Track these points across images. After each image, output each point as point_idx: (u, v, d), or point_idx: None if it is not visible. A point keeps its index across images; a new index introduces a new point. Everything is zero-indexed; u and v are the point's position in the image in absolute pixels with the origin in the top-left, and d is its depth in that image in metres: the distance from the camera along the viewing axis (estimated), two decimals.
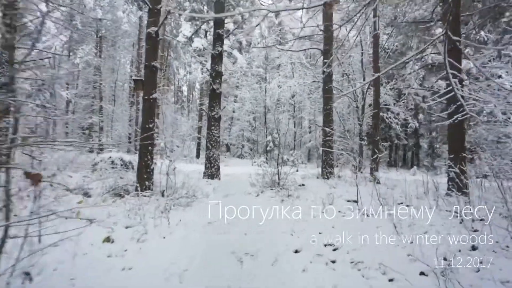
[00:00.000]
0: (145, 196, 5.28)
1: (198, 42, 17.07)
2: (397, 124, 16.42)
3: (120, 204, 5.10)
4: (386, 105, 16.25)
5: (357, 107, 16.13)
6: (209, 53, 8.64)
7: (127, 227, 3.97)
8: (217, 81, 8.27)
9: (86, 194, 5.82)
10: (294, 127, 19.08)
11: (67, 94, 20.24)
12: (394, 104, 15.88)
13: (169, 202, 5.28)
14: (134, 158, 9.60)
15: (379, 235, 4.03)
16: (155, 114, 5.52)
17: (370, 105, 16.55)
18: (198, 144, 19.25)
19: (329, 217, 5.22)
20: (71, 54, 18.70)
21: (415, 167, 17.45)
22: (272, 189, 7.36)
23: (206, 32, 18.45)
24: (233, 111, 20.52)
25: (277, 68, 19.29)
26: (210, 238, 3.93)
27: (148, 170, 5.38)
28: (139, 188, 5.35)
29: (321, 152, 8.81)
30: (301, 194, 6.88)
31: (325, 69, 8.61)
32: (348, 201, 6.44)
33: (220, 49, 8.35)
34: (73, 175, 7.91)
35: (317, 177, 9.12)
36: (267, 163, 18.17)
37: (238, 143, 20.92)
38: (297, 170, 8.91)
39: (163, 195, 5.77)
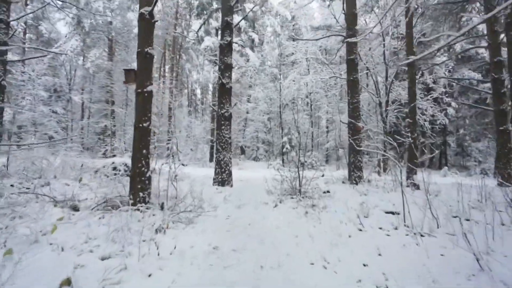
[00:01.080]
0: (138, 210, 4.23)
1: (209, 41, 16.14)
2: (425, 120, 14.79)
3: (111, 220, 4.08)
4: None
5: (379, 103, 14.68)
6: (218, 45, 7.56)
7: (103, 259, 2.92)
8: (227, 74, 7.19)
9: (74, 208, 4.85)
10: (312, 127, 17.77)
11: (82, 98, 19.91)
12: (422, 98, 14.26)
13: (168, 218, 4.21)
14: None
15: (453, 271, 2.78)
16: (151, 110, 4.49)
17: (394, 101, 15.04)
18: (212, 147, 18.31)
19: (369, 237, 3.99)
20: (83, 58, 18.36)
21: (445, 167, 15.69)
22: (292, 198, 6.17)
23: (217, 30, 17.53)
24: (247, 112, 19.47)
25: (291, 65, 18.08)
26: (213, 275, 2.79)
27: (143, 178, 4.34)
28: (131, 201, 4.31)
29: (348, 153, 7.52)
30: (328, 204, 5.66)
31: (350, 57, 7.35)
32: (387, 212, 5.16)
33: (229, 38, 7.27)
34: (71, 183, 7.05)
35: (343, 182, 7.84)
36: (283, 165, 16.98)
37: (252, 145, 19.83)
38: (323, 175, 7.67)
39: (162, 208, 4.72)
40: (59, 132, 21.75)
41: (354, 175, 7.21)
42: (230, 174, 7.13)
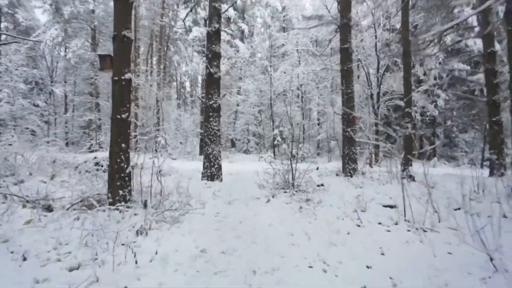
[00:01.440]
0: (117, 210, 3.82)
1: (197, 31, 15.50)
2: (416, 112, 14.72)
3: (86, 221, 3.65)
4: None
5: (371, 94, 14.48)
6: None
7: (71, 270, 2.53)
8: (215, 63, 6.74)
9: (48, 208, 4.39)
10: (303, 119, 17.47)
11: (64, 91, 18.95)
12: (413, 90, 14.12)
13: (151, 217, 3.82)
14: None
15: (465, 271, 2.51)
16: (130, 100, 4.04)
17: (385, 93, 14.87)
18: (201, 140, 17.81)
19: (368, 233, 3.71)
20: (65, 49, 17.37)
21: (435, 158, 15.75)
22: (285, 192, 5.86)
23: (205, 20, 16.86)
24: (237, 105, 18.99)
25: (282, 57, 17.65)
26: (200, 283, 2.44)
27: (123, 175, 3.91)
28: (110, 200, 3.89)
29: (342, 144, 7.24)
30: (323, 198, 5.37)
31: (343, 46, 7.01)
32: (385, 206, 4.91)
33: (217, 25, 6.80)
34: (48, 181, 6.53)
35: (337, 174, 7.59)
36: (275, 158, 16.69)
37: (243, 138, 19.43)
38: (318, 168, 7.37)
39: (145, 207, 4.31)
40: (41, 126, 20.77)
41: (349, 167, 6.95)
42: (219, 168, 6.75)
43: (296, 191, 5.84)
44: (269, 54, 17.14)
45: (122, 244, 3.11)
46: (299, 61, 16.35)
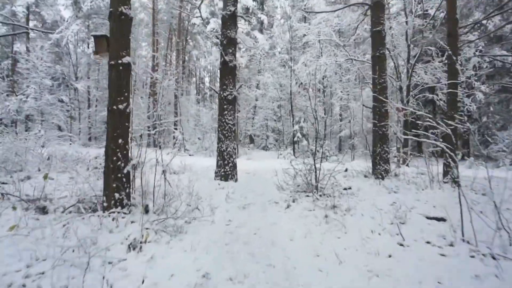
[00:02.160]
0: (111, 215, 3.24)
1: (215, 23, 14.85)
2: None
3: (76, 229, 3.10)
4: (437, 83, 13.02)
5: (400, 87, 13.19)
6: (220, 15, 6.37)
7: None
8: (230, 50, 6.04)
9: (43, 210, 3.92)
10: (325, 114, 16.44)
11: (87, 86, 19.11)
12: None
13: (151, 226, 3.21)
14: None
15: None
16: (129, 89, 3.43)
17: (416, 86, 13.52)
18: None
19: (417, 257, 2.87)
20: (88, 45, 17.44)
21: (471, 158, 14.17)
22: (308, 196, 5.09)
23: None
24: (256, 99, 18.25)
25: (303, 48, 16.63)
26: None
27: (119, 175, 3.33)
28: (105, 204, 3.33)
29: (372, 142, 6.32)
30: (352, 205, 4.55)
31: (375, 29, 6.05)
32: (430, 218, 4.02)
33: (232, 8, 6.07)
34: (57, 177, 6.17)
35: (365, 176, 6.69)
36: (294, 155, 15.84)
37: (262, 134, 18.70)
38: (346, 169, 6.50)
39: (146, 212, 3.72)
40: (66, 121, 21.18)
41: (380, 169, 6.03)
42: (234, 166, 6.08)
43: (320, 195, 5.05)
44: (290, 46, 16.20)
45: (109, 263, 2.51)
46: (321, 52, 15.28)
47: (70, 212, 3.77)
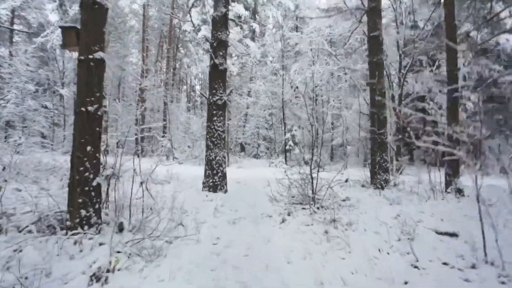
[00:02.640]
0: (75, 236, 2.69)
1: (206, 30, 14.53)
2: (442, 116, 13.21)
3: (29, 255, 2.53)
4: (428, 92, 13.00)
5: (392, 96, 13.09)
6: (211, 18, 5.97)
7: None
8: (220, 53, 5.63)
9: None
10: (317, 122, 16.19)
11: (74, 93, 18.34)
12: (440, 92, 12.67)
13: (123, 249, 2.68)
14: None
15: None
16: (101, 88, 2.94)
17: (408, 95, 13.46)
18: None
19: (437, 285, 2.43)
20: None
21: (461, 167, 14.11)
22: (304, 208, 4.63)
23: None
24: (247, 107, 17.88)
25: (295, 57, 16.48)
26: None
27: (87, 188, 2.80)
28: (68, 223, 2.79)
29: (371, 150, 5.96)
30: (353, 218, 4.11)
31: (372, 34, 5.78)
32: (441, 233, 3.61)
33: (223, 10, 5.71)
34: (26, 188, 5.51)
35: (363, 186, 6.30)
36: (286, 163, 15.43)
37: (253, 142, 18.27)
38: (347, 180, 6.07)
39: (120, 230, 3.18)
40: (49, 128, 20.26)
41: (379, 178, 5.66)
42: (223, 176, 5.58)
43: (318, 207, 4.61)
44: (282, 54, 16.02)
45: None
46: (313, 61, 15.12)
47: (30, 231, 3.19)
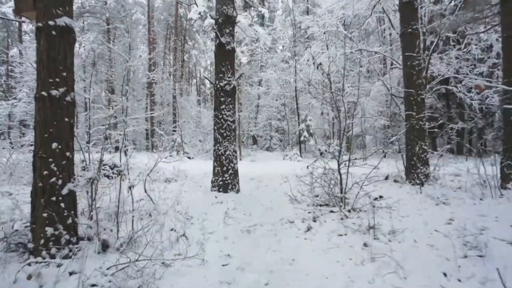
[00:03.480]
0: (45, 260, 1.99)
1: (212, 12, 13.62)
2: (472, 100, 11.89)
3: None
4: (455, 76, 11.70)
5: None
6: None
7: None
8: (227, 31, 4.78)
9: None
10: (332, 111, 15.14)
11: (83, 88, 18.00)
12: (470, 72, 11.34)
13: (102, 280, 1.95)
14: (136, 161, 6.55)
15: None
16: (70, 66, 2.18)
17: (433, 78, 12.17)
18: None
19: None
20: (78, 45, 16.32)
21: (496, 155, 12.78)
22: (332, 211, 3.80)
23: None
24: (258, 97, 16.98)
25: (307, 42, 15.36)
26: None
27: (55, 198, 2.07)
28: (31, 245, 2.08)
29: (406, 138, 5.01)
30: (396, 225, 3.25)
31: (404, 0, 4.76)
32: None
33: None
34: (18, 191, 4.93)
35: (396, 181, 5.38)
36: (301, 155, 14.54)
37: (265, 134, 17.42)
38: (387, 177, 5.14)
39: (104, 249, 2.46)
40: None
41: (418, 172, 4.73)
42: (235, 174, 4.80)
43: (349, 210, 3.77)
44: (293, 39, 14.95)
45: None
46: (327, 46, 13.97)
47: None
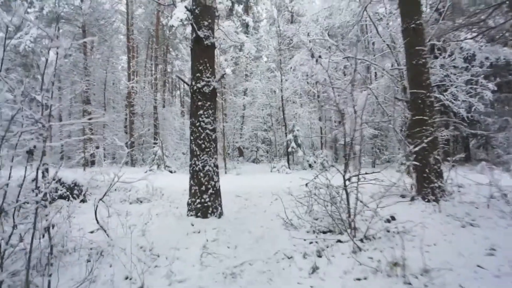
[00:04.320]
0: None
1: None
2: (461, 108, 11.67)
3: None
4: (441, 83, 11.45)
5: (404, 88, 11.51)
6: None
7: None
8: (205, 23, 3.98)
9: None
10: (320, 120, 14.56)
11: (52, 98, 16.57)
12: (456, 80, 11.14)
13: None
14: (88, 177, 5.48)
15: None
16: None
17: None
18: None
19: None
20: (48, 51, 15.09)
21: (483, 163, 12.49)
22: (340, 241, 2.96)
23: None
24: (244, 108, 16.23)
25: (293, 50, 14.91)
26: None
27: None
28: None
29: (414, 148, 4.31)
30: (427, 260, 2.43)
31: None
32: None
33: None
34: None
35: (402, 196, 4.64)
36: (289, 167, 13.76)
37: (251, 146, 16.58)
38: (413, 199, 4.29)
39: None
40: (37, 141, 18.46)
41: (432, 186, 3.99)
42: (217, 194, 3.87)
43: (361, 239, 2.94)
44: (279, 48, 14.44)
45: None
46: (312, 54, 13.52)
47: None
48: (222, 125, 13.70)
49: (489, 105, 14.52)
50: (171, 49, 21.46)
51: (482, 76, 12.28)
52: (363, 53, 15.27)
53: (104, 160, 14.37)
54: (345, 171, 3.22)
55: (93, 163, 15.75)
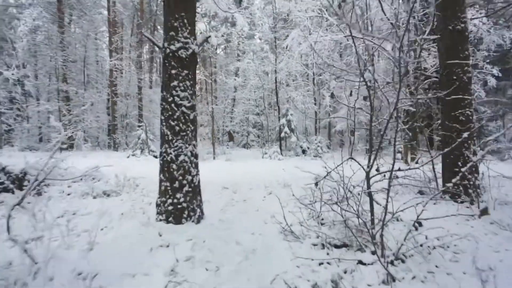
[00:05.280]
0: None
1: None
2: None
3: None
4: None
5: (406, 72, 10.63)
6: None
7: None
8: None
9: None
10: (315, 105, 13.61)
11: (25, 77, 14.92)
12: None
13: None
14: (30, 167, 4.41)
15: None
16: None
17: (425, 69, 11.05)
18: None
19: None
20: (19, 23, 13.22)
21: (480, 151, 12.05)
22: (362, 263, 2.10)
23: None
24: (235, 90, 15.07)
25: (289, 28, 13.69)
26: None
27: None
28: None
29: (444, 139, 3.46)
30: None
31: None
32: None
33: None
34: None
35: (421, 192, 3.84)
36: (281, 153, 12.92)
37: (242, 130, 15.60)
38: (466, 205, 3.45)
39: None
40: (14, 121, 17.03)
41: (464, 183, 3.17)
42: (195, 192, 2.93)
43: (392, 261, 2.09)
44: (274, 25, 13.18)
45: None
46: (310, 32, 12.37)
47: None
48: (211, 107, 12.60)
49: (490, 92, 13.91)
50: (159, 27, 19.74)
51: (488, 61, 11.52)
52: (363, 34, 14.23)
53: (84, 143, 13.14)
54: (369, 167, 2.33)
55: (71, 146, 14.45)
